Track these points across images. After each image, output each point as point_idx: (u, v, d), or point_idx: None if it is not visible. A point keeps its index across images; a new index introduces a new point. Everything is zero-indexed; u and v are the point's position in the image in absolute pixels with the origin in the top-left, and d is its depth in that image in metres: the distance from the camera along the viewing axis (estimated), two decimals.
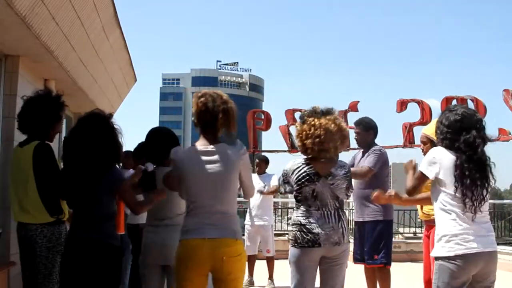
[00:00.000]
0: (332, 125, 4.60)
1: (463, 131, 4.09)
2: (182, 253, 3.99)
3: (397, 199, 5.01)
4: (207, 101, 4.05)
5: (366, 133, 6.90)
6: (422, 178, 4.24)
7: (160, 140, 4.78)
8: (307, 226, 4.58)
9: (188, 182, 4.05)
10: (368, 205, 6.69)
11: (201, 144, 4.09)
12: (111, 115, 4.54)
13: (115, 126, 4.46)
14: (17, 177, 5.16)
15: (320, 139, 4.58)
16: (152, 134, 4.88)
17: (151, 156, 4.83)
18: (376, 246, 6.67)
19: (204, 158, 4.02)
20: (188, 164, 4.03)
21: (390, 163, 7.14)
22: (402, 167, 4.91)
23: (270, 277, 9.32)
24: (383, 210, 6.68)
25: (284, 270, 7.97)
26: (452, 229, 4.00)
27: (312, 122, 4.64)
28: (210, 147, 4.04)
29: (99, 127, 4.37)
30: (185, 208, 4.15)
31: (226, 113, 4.06)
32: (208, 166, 3.99)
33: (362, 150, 7.00)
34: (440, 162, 4.09)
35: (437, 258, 4.07)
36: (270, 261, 9.37)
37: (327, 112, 4.70)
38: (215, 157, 4.01)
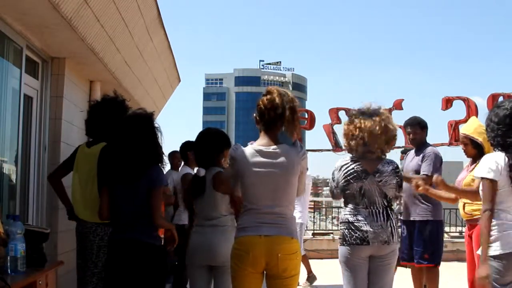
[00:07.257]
0: (377, 127, 4.54)
1: None
2: (238, 250, 3.95)
3: (443, 185, 5.06)
4: (274, 98, 3.94)
5: (423, 131, 6.88)
6: (491, 185, 3.95)
7: (209, 141, 4.74)
8: (355, 224, 4.53)
9: (246, 182, 3.96)
10: (418, 204, 6.62)
11: (263, 144, 3.97)
12: (152, 114, 4.55)
13: (156, 126, 4.45)
14: (82, 176, 5.36)
15: (364, 141, 4.56)
16: (201, 136, 4.83)
17: (201, 158, 4.78)
18: (427, 246, 6.57)
19: (265, 159, 3.91)
20: (248, 164, 3.93)
21: None
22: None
23: (308, 276, 9.24)
24: (433, 210, 6.60)
25: (329, 269, 7.95)
26: (501, 228, 3.94)
27: (358, 124, 4.60)
28: (272, 148, 3.93)
29: (140, 127, 4.36)
30: (242, 207, 4.08)
31: (292, 111, 3.96)
32: (269, 168, 3.89)
33: (414, 149, 6.96)
34: (497, 165, 3.93)
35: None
36: (303, 260, 9.20)
37: (374, 113, 4.64)
38: (278, 159, 3.90)
